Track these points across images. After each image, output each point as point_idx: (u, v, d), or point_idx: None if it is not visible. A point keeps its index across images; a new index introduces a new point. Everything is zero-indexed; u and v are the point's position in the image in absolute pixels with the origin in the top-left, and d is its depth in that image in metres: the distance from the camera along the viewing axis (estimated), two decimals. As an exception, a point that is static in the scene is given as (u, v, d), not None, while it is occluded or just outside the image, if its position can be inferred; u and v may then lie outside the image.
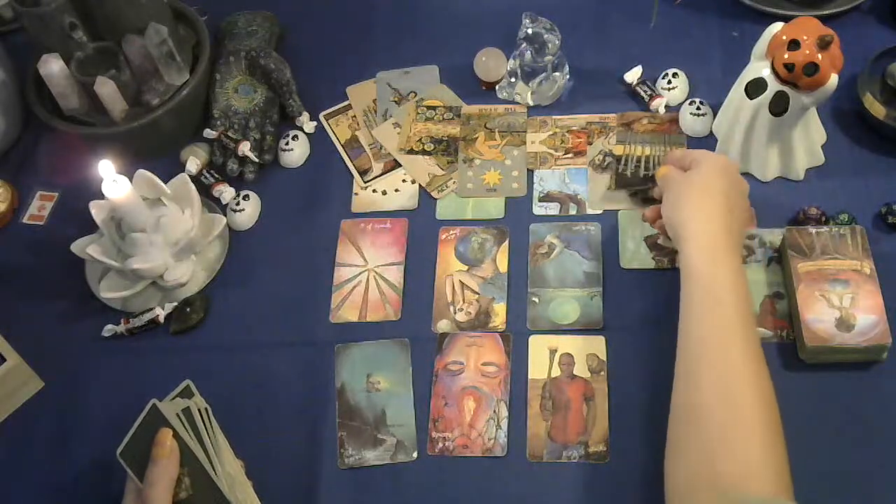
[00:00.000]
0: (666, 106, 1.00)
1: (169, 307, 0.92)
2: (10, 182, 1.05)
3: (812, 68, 0.81)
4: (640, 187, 0.93)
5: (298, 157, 1.03)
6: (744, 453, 0.65)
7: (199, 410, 0.73)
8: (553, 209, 0.95)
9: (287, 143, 1.03)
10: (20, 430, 0.87)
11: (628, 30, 1.08)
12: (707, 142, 0.97)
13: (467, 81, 1.06)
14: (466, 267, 0.92)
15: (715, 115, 0.97)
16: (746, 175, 0.93)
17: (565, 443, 0.80)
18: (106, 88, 0.97)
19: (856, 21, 1.04)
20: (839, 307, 0.79)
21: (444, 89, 1.07)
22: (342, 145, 1.04)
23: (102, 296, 0.92)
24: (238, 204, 0.98)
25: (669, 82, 1.01)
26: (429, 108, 1.05)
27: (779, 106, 0.86)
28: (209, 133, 1.04)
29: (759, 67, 0.87)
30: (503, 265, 0.92)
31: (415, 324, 0.89)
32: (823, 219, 0.88)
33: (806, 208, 0.89)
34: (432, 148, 1.01)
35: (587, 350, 0.85)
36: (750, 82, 0.88)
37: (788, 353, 0.82)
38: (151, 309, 0.92)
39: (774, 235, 0.88)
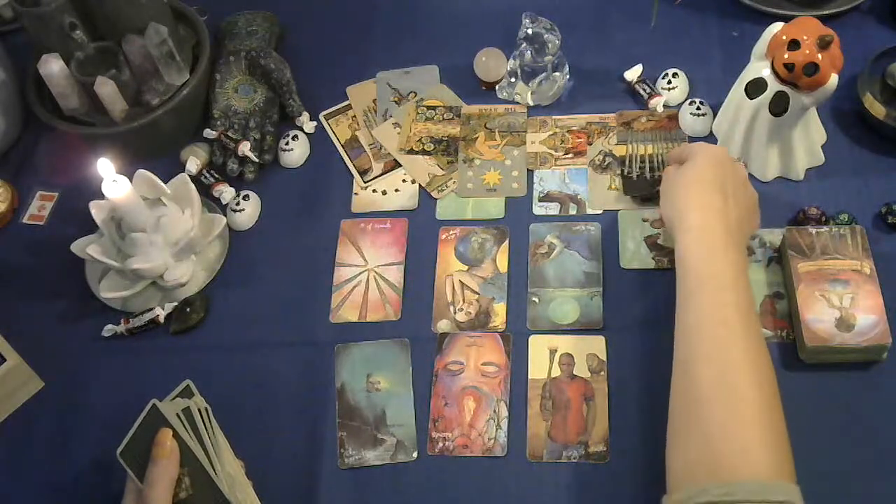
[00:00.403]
0: (665, 105, 1.00)
1: (169, 307, 0.92)
2: (10, 182, 1.05)
3: (812, 68, 0.81)
4: (648, 192, 0.93)
5: (298, 157, 1.03)
6: (742, 440, 0.65)
7: (199, 410, 0.73)
8: (553, 209, 0.95)
9: (287, 143, 1.03)
10: (20, 430, 0.87)
11: (628, 30, 1.08)
12: (707, 142, 0.97)
13: (467, 81, 1.06)
14: (466, 267, 0.92)
15: (715, 115, 0.97)
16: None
17: (565, 443, 0.80)
18: (106, 88, 0.97)
19: (856, 21, 1.04)
20: (839, 307, 0.79)
21: (444, 89, 1.07)
22: (342, 145, 1.04)
23: (102, 296, 0.92)
24: (238, 204, 0.98)
25: (669, 82, 1.01)
26: (429, 108, 1.05)
27: (779, 106, 0.86)
28: (209, 133, 1.04)
29: (759, 67, 0.87)
30: (503, 265, 0.92)
31: (415, 324, 0.89)
32: (823, 219, 0.88)
33: (806, 208, 0.89)
34: (432, 148, 1.01)
35: (587, 350, 0.85)
36: (750, 82, 0.88)
37: (788, 353, 0.82)
38: (151, 309, 0.92)
39: (774, 235, 0.88)
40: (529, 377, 0.84)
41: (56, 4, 0.95)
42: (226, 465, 0.73)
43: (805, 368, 0.81)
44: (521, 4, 1.02)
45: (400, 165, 1.01)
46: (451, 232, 0.95)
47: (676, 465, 0.68)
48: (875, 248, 0.83)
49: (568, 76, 1.03)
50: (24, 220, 1.03)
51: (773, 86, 0.85)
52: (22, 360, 0.87)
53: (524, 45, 0.99)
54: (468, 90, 1.06)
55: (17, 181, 1.06)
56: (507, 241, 0.93)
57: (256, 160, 1.01)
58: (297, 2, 1.18)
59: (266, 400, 0.86)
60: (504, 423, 0.82)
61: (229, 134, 1.03)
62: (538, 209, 0.95)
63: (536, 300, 0.89)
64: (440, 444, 0.82)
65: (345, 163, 1.02)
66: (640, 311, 0.87)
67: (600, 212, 0.94)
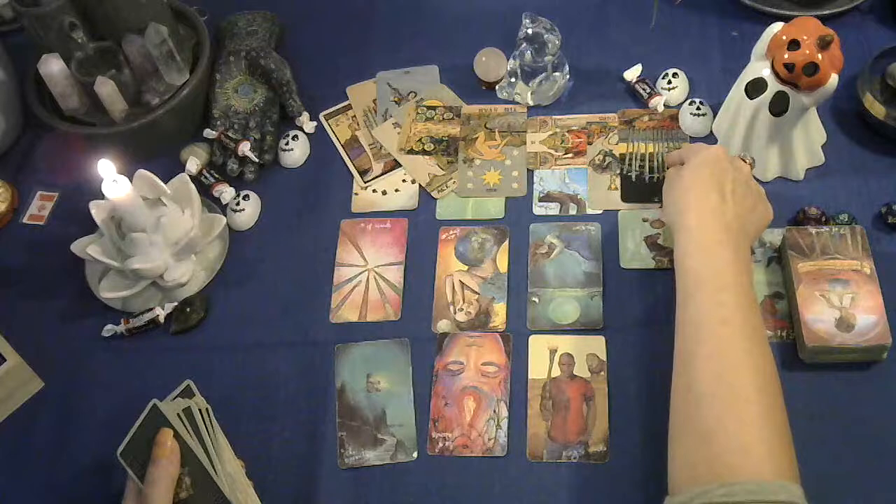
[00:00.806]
0: (665, 104, 1.00)
1: (169, 307, 0.92)
2: (10, 182, 1.05)
3: (812, 68, 0.81)
4: (647, 198, 0.93)
5: (298, 157, 1.03)
6: (742, 439, 0.64)
7: (199, 410, 0.73)
8: (553, 209, 0.95)
9: (287, 143, 1.03)
10: (20, 430, 0.87)
11: (628, 30, 1.08)
12: (707, 142, 0.97)
13: (467, 81, 1.06)
14: (466, 267, 0.92)
15: (715, 115, 0.97)
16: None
17: (565, 443, 0.80)
18: (106, 88, 0.97)
19: (856, 21, 1.04)
20: (839, 307, 0.79)
21: (444, 89, 1.07)
22: (342, 145, 1.04)
23: (102, 296, 0.92)
24: (238, 204, 0.98)
25: (669, 82, 1.01)
26: (429, 108, 1.05)
27: (779, 106, 0.86)
28: (209, 133, 1.04)
29: (759, 67, 0.87)
30: (503, 265, 0.92)
31: (415, 324, 0.89)
32: (823, 219, 0.88)
33: (806, 208, 0.89)
34: (432, 148, 1.01)
35: (587, 350, 0.85)
36: (750, 82, 0.88)
37: (788, 353, 0.82)
38: (151, 309, 0.92)
39: (774, 235, 0.88)
40: (529, 377, 0.84)
41: (56, 4, 0.95)
42: (226, 465, 0.73)
43: (805, 368, 0.81)
44: (521, 4, 1.02)
45: (400, 165, 1.01)
46: (451, 232, 0.95)
47: (677, 465, 0.68)
48: (875, 248, 0.83)
49: (568, 76, 1.03)
50: (24, 220, 1.03)
51: (773, 86, 0.85)
52: (22, 360, 0.87)
53: (524, 45, 0.99)
54: (468, 90, 1.06)
55: (17, 181, 1.06)
56: (507, 241, 0.93)
57: (256, 160, 1.01)
58: (297, 2, 1.18)
59: (266, 400, 0.86)
60: (504, 423, 0.82)
61: (229, 134, 1.03)
62: (538, 209, 0.95)
63: (536, 300, 0.89)
64: (440, 444, 0.82)
65: (345, 163, 1.02)
66: (640, 311, 0.87)
67: (600, 212, 0.94)
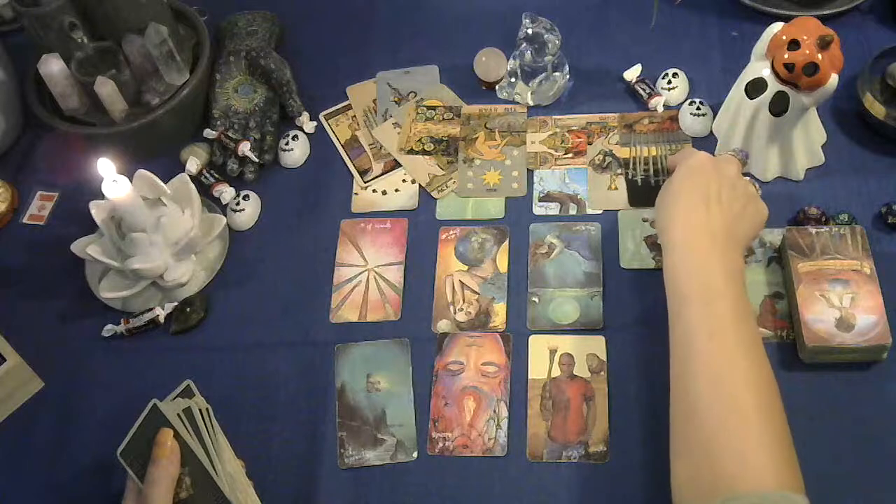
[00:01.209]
0: (664, 105, 1.00)
1: (169, 307, 0.92)
2: (10, 182, 1.05)
3: (812, 68, 0.81)
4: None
5: (298, 157, 1.03)
6: (739, 450, 0.64)
7: (199, 410, 0.73)
8: (553, 209, 0.95)
9: (287, 143, 1.03)
10: (20, 430, 0.87)
11: (628, 30, 1.08)
12: (707, 142, 0.97)
13: (467, 81, 1.06)
14: (466, 267, 0.92)
15: (715, 115, 0.97)
16: (746, 175, 0.93)
17: (565, 443, 0.80)
18: (106, 88, 0.97)
19: (856, 21, 1.04)
20: (839, 307, 0.79)
21: (444, 89, 1.07)
22: (342, 145, 1.04)
23: (102, 296, 0.92)
24: (238, 204, 0.98)
25: (669, 82, 1.01)
26: (429, 108, 1.05)
27: (779, 106, 0.86)
28: (209, 133, 1.04)
29: (759, 67, 0.87)
30: (503, 265, 0.92)
31: (415, 324, 0.89)
32: (823, 219, 0.88)
33: (806, 208, 0.89)
34: (432, 148, 1.01)
35: (587, 350, 0.85)
36: (750, 82, 0.88)
37: (788, 353, 0.82)
38: (151, 309, 0.92)
39: (774, 235, 0.88)
40: (529, 377, 0.84)
41: (56, 4, 0.95)
42: (226, 465, 0.73)
43: (805, 368, 0.81)
44: (521, 4, 1.02)
45: (400, 165, 1.01)
46: (451, 232, 0.95)
47: (679, 482, 0.67)
48: (875, 248, 0.83)
49: (568, 76, 1.03)
50: (24, 220, 1.03)
51: (773, 86, 0.85)
52: (22, 360, 0.87)
53: (524, 45, 0.99)
54: (468, 90, 1.06)
55: (17, 181, 1.06)
56: (507, 241, 0.93)
57: (256, 160, 1.01)
58: (297, 2, 1.18)
59: (266, 400, 0.86)
60: (504, 423, 0.82)
61: (229, 134, 1.03)
62: (538, 209, 0.95)
63: (536, 300, 0.89)
64: (440, 444, 0.82)
65: (345, 163, 1.02)
66: (640, 311, 0.87)
67: (600, 212, 0.94)
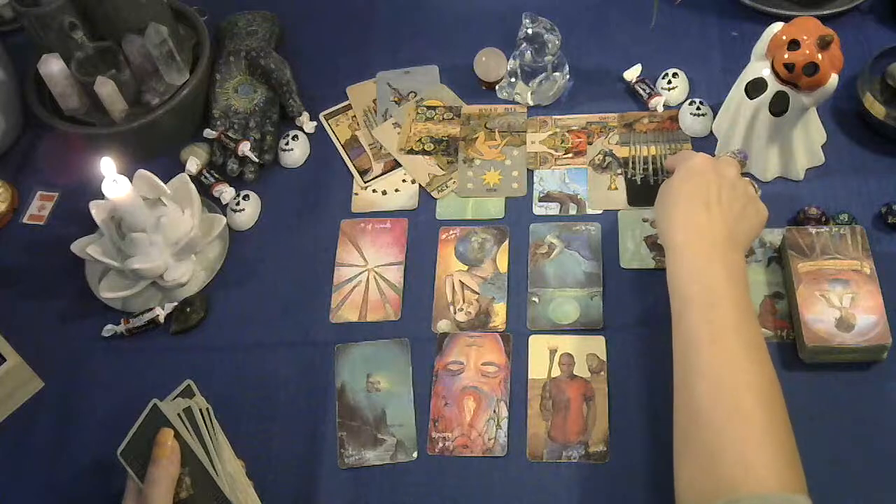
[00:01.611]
0: (664, 105, 1.00)
1: (169, 307, 0.92)
2: (10, 182, 1.05)
3: (812, 68, 0.81)
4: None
5: (298, 157, 1.03)
6: (742, 454, 0.64)
7: (200, 410, 0.73)
8: (553, 209, 0.95)
9: (287, 143, 1.03)
10: (20, 430, 0.87)
11: (628, 30, 1.08)
12: (707, 142, 0.97)
13: (467, 81, 1.06)
14: (466, 267, 0.92)
15: (715, 115, 0.97)
16: (747, 175, 0.93)
17: (565, 443, 0.80)
18: (106, 88, 0.97)
19: (856, 21, 1.04)
20: (839, 307, 0.79)
21: (444, 89, 1.07)
22: (342, 145, 1.04)
23: (102, 296, 0.92)
24: (238, 204, 0.98)
25: (669, 82, 1.01)
26: (429, 108, 1.05)
27: (779, 106, 0.86)
28: (209, 133, 1.04)
29: (759, 67, 0.87)
30: (503, 265, 0.92)
31: (415, 324, 0.89)
32: (823, 219, 0.88)
33: (806, 208, 0.89)
34: (432, 148, 1.01)
35: (587, 350, 0.85)
36: (750, 82, 0.88)
37: (788, 353, 0.82)
38: (151, 309, 0.92)
39: (774, 235, 0.88)
40: (529, 377, 0.84)
41: (56, 4, 0.95)
42: (226, 465, 0.73)
43: (805, 368, 0.81)
44: (521, 4, 1.02)
45: (400, 165, 1.01)
46: (451, 232, 0.95)
47: (683, 485, 0.67)
48: (875, 248, 0.83)
49: (568, 76, 1.03)
50: (24, 220, 1.03)
51: (773, 86, 0.85)
52: (22, 360, 0.87)
53: (524, 45, 0.99)
54: (468, 90, 1.06)
55: (17, 181, 1.06)
56: (507, 241, 0.93)
57: (256, 160, 1.01)
58: (297, 2, 1.18)
59: (266, 400, 0.86)
60: (504, 423, 0.82)
61: (229, 134, 1.03)
62: (538, 209, 0.95)
63: (536, 300, 0.89)
64: (440, 444, 0.82)
65: (345, 163, 1.02)
66: (640, 311, 0.87)
67: (600, 212, 0.94)
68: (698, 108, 0.98)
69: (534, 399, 0.83)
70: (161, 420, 0.72)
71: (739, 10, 1.06)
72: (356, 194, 0.99)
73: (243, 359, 0.89)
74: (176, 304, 0.93)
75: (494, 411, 0.83)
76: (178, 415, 0.72)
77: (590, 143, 0.99)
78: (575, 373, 0.84)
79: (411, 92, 1.07)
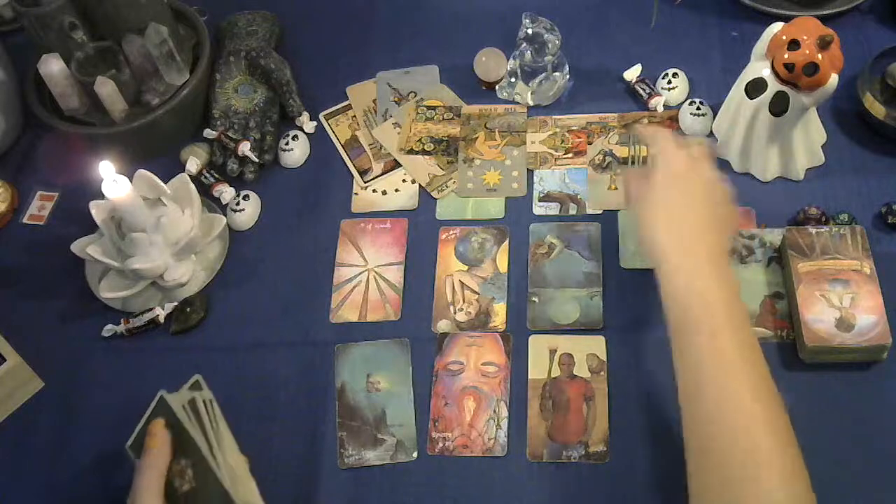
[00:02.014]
0: (664, 105, 1.00)
1: (169, 307, 0.92)
2: (10, 182, 1.05)
3: (812, 68, 0.81)
4: None
5: (298, 157, 1.03)
6: (747, 466, 0.63)
7: (203, 401, 0.73)
8: (553, 209, 0.95)
9: (287, 143, 1.03)
10: (20, 430, 0.87)
11: (628, 30, 1.08)
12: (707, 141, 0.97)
13: (467, 81, 1.06)
14: (466, 267, 0.92)
15: (715, 115, 0.97)
16: (746, 175, 0.93)
17: (565, 443, 0.80)
18: (106, 88, 0.97)
19: (856, 21, 1.04)
20: (839, 307, 0.79)
21: (444, 89, 1.07)
22: (342, 145, 1.04)
23: (102, 296, 0.92)
24: (238, 204, 0.98)
25: (669, 82, 1.01)
26: (429, 108, 1.05)
27: (779, 106, 0.86)
28: (209, 133, 1.04)
29: (759, 67, 0.87)
30: (503, 265, 0.92)
31: (415, 324, 0.89)
32: (823, 219, 0.88)
33: (806, 208, 0.89)
34: (432, 148, 1.01)
35: (587, 350, 0.85)
36: (750, 82, 0.88)
37: (788, 353, 0.82)
38: (151, 309, 0.92)
39: (774, 235, 0.88)
40: (529, 377, 0.84)
41: (56, 4, 0.95)
42: (227, 456, 0.73)
43: (805, 368, 0.81)
44: (521, 4, 1.02)
45: (400, 165, 1.01)
46: (451, 232, 0.95)
47: (692, 495, 0.67)
48: (875, 248, 0.83)
49: (568, 76, 1.03)
50: (24, 220, 1.03)
51: (773, 86, 0.85)
52: (22, 360, 0.87)
53: (524, 45, 0.99)
54: (468, 90, 1.06)
55: (17, 181, 1.06)
56: (507, 241, 0.93)
57: (256, 160, 1.01)
58: (297, 2, 1.18)
59: (266, 400, 0.86)
60: (504, 423, 0.82)
61: (229, 134, 1.03)
62: (538, 209, 0.95)
63: (536, 300, 0.89)
64: (440, 444, 0.82)
65: (345, 163, 1.02)
66: (640, 311, 0.87)
67: (600, 212, 0.94)
68: (698, 108, 0.98)
69: (534, 399, 0.83)
70: (168, 411, 0.72)
71: (739, 10, 1.06)
72: (356, 194, 0.99)
73: (243, 359, 0.89)
74: (176, 304, 0.93)
75: (494, 411, 0.83)
76: (184, 406, 0.72)
77: (590, 143, 0.99)
78: (575, 373, 0.84)
79: (411, 92, 1.07)
